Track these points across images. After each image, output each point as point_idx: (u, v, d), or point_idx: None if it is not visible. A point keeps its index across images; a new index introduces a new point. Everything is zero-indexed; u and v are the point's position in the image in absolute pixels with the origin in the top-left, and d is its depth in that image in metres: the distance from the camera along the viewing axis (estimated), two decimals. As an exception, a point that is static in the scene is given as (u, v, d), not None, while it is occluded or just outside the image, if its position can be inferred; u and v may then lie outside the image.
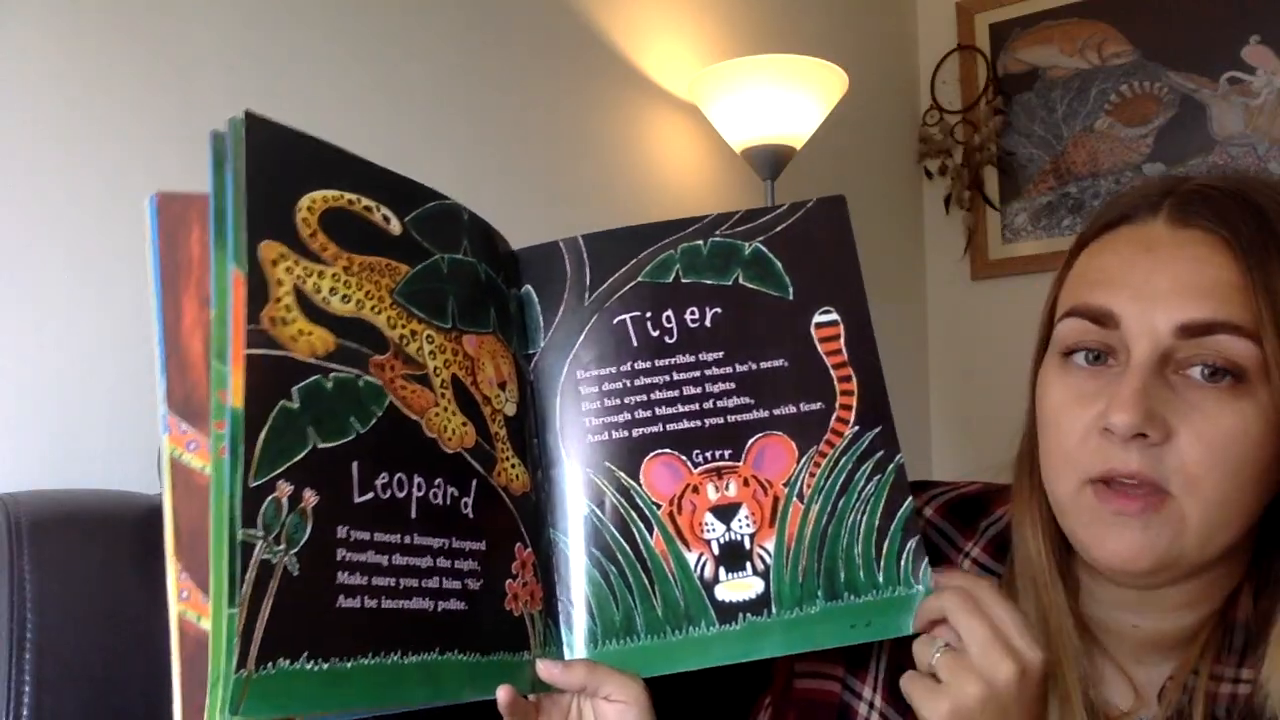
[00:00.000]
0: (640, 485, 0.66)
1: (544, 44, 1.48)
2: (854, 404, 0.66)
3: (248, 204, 0.52)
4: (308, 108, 1.18)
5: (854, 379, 0.66)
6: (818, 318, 0.68)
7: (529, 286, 0.69)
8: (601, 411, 0.67)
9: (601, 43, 1.58)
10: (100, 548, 0.73)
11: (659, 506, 0.65)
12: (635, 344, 0.68)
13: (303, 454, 0.52)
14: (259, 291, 0.52)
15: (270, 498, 0.50)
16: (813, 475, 0.65)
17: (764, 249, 0.69)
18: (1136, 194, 0.63)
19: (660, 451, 0.66)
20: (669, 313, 0.68)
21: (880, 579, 0.63)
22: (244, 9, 1.13)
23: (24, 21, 0.94)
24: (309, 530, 0.51)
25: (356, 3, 1.24)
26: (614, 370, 0.67)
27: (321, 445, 0.52)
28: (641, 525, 0.65)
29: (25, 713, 0.65)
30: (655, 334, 0.68)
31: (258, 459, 0.50)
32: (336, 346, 0.54)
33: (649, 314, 0.68)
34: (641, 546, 0.65)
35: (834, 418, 0.66)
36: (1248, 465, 0.56)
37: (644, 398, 0.67)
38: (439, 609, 0.56)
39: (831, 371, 0.67)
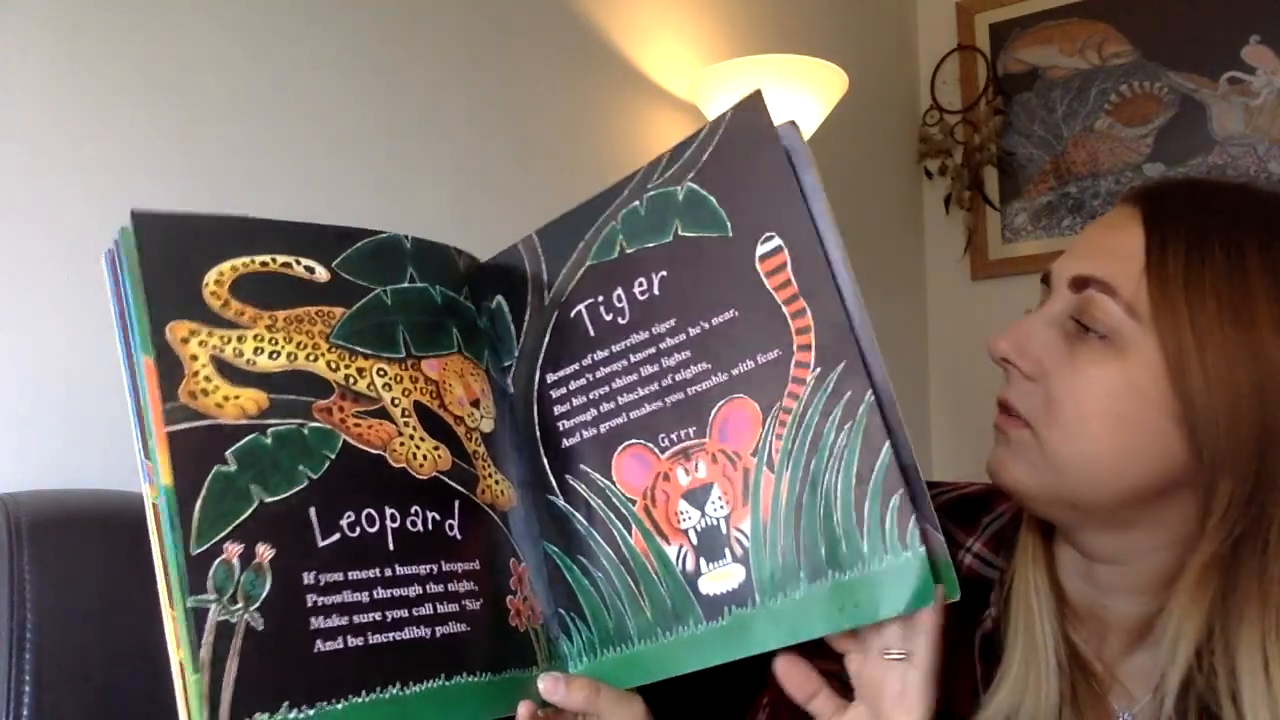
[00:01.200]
0: (614, 483, 0.62)
1: (544, 44, 1.48)
2: (811, 341, 0.57)
3: (146, 295, 0.55)
4: (307, 107, 1.18)
5: (808, 311, 0.57)
6: (759, 249, 0.59)
7: (499, 297, 0.67)
8: (571, 413, 0.64)
9: (601, 42, 1.58)
10: (100, 548, 0.73)
11: (634, 502, 0.61)
12: (591, 333, 0.64)
13: (248, 512, 0.53)
14: (173, 370, 0.54)
15: (218, 561, 0.52)
16: (779, 438, 0.57)
17: (696, 187, 0.61)
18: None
19: (628, 443, 0.62)
20: (619, 291, 0.63)
21: (865, 548, 0.55)
22: (244, 8, 1.13)
23: (24, 21, 0.94)
24: (269, 583, 0.52)
25: (355, 2, 1.24)
26: (576, 367, 0.64)
27: (270, 499, 0.54)
28: (620, 525, 0.62)
29: (25, 713, 0.65)
30: (609, 318, 0.63)
31: (196, 527, 0.52)
32: (271, 403, 0.56)
33: (600, 297, 0.63)
34: (623, 547, 0.62)
35: (793, 363, 0.57)
36: (1106, 417, 0.59)
37: (605, 389, 0.63)
38: (438, 634, 0.57)
39: (784, 309, 0.58)
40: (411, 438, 0.59)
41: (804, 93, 1.56)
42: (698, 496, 0.60)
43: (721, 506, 0.59)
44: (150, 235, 0.56)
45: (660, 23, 1.68)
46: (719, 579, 0.59)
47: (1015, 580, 0.66)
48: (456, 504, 0.60)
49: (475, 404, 0.64)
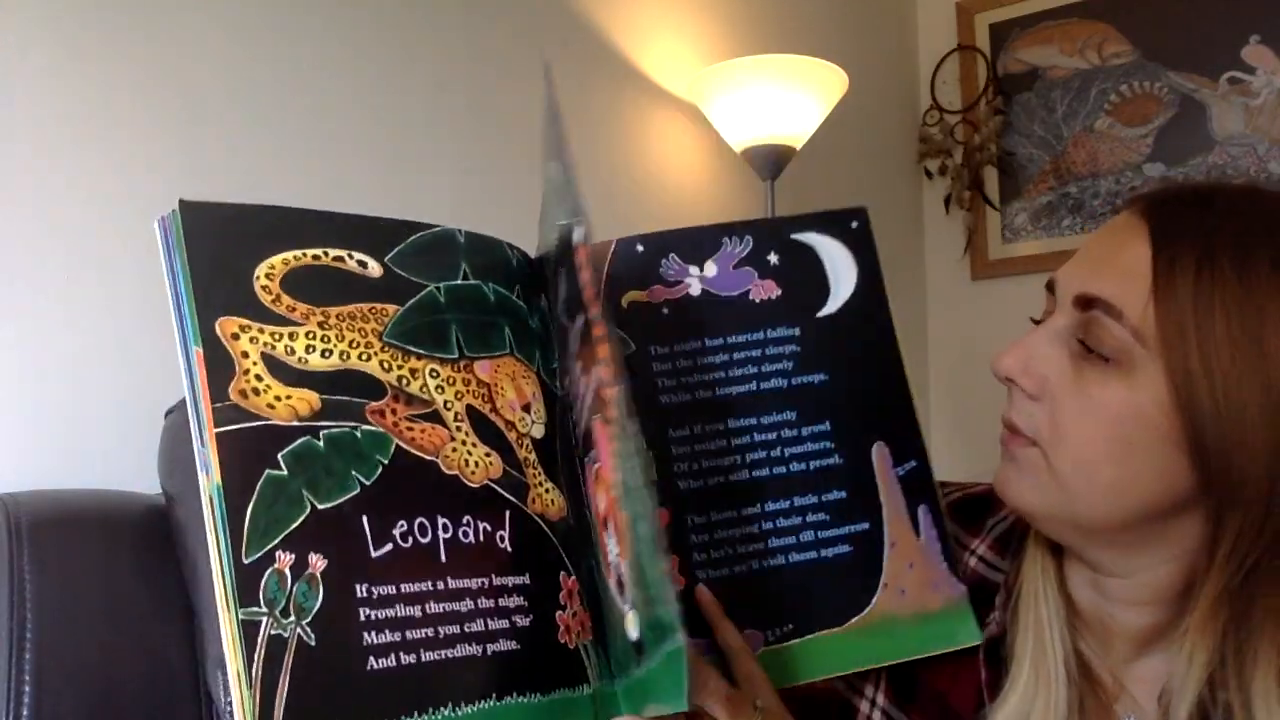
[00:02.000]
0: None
1: (544, 44, 1.48)
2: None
3: (193, 288, 0.52)
4: (308, 106, 1.18)
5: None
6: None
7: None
8: None
9: (602, 43, 1.58)
10: (100, 548, 0.73)
11: (604, 528, 0.58)
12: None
13: (300, 519, 0.51)
14: (223, 367, 0.51)
15: (270, 570, 0.49)
16: (613, 455, 0.54)
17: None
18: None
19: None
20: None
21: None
22: (244, 8, 1.13)
23: (25, 21, 0.94)
24: (321, 596, 0.50)
25: (356, 2, 1.24)
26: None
27: (322, 505, 0.51)
28: (599, 550, 0.60)
29: (25, 713, 0.65)
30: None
31: (248, 534, 0.49)
32: (323, 404, 0.53)
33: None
34: (598, 575, 0.60)
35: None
36: (1112, 440, 0.58)
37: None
38: (489, 652, 0.54)
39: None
40: (464, 443, 0.57)
41: (804, 93, 1.56)
42: (608, 528, 0.58)
43: (614, 540, 0.57)
44: (198, 227, 0.54)
45: (660, 23, 1.68)
46: (630, 625, 0.55)
47: (1024, 590, 0.66)
48: (507, 515, 0.57)
49: (526, 408, 0.61)
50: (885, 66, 2.27)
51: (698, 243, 0.68)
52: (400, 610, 0.52)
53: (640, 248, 0.67)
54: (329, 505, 0.52)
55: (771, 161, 1.62)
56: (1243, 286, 0.55)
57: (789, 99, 1.56)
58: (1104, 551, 0.63)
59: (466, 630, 0.54)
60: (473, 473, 0.57)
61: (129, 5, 1.02)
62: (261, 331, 0.53)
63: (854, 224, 0.70)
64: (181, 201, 0.54)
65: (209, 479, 0.50)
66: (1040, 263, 2.11)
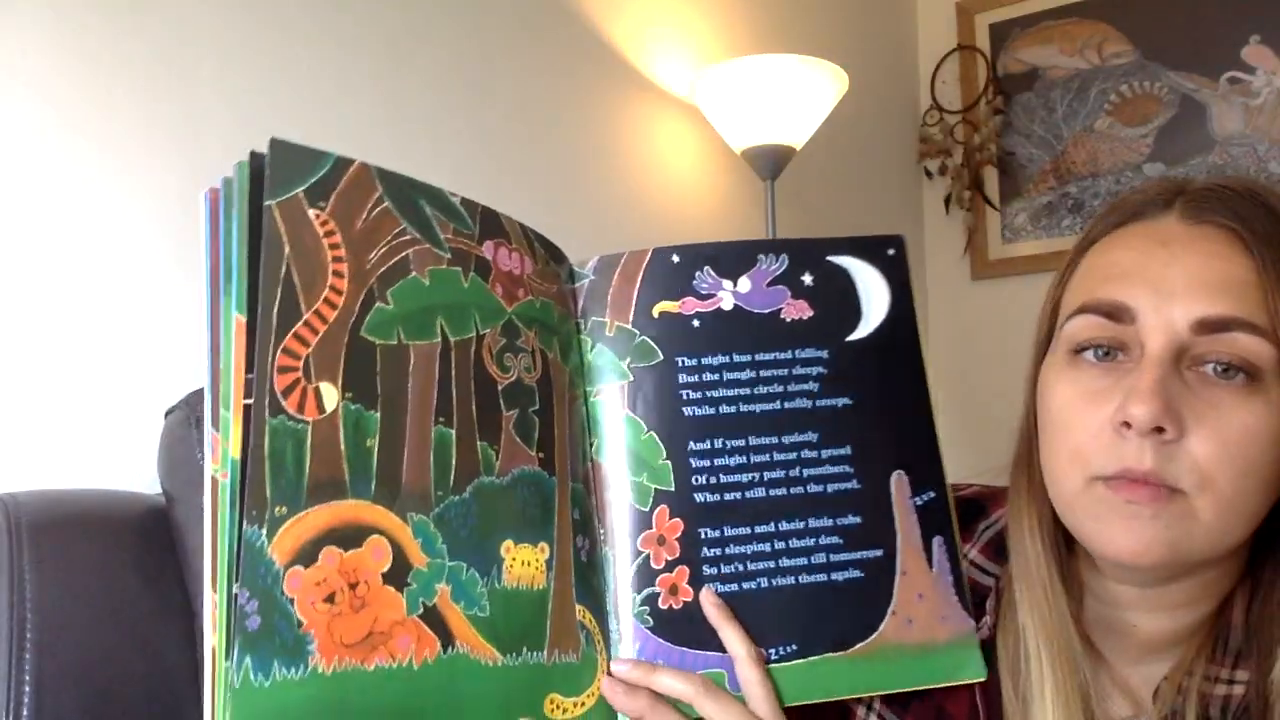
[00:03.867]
0: None
1: (544, 45, 1.48)
2: None
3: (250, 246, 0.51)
4: (307, 107, 1.18)
5: None
6: None
7: None
8: None
9: (602, 43, 1.58)
10: (100, 548, 0.73)
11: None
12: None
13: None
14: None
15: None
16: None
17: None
18: (1146, 192, 0.62)
19: None
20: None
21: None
22: (244, 9, 1.13)
23: (25, 21, 0.94)
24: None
25: (355, 3, 1.24)
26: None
27: None
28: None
29: (25, 713, 0.65)
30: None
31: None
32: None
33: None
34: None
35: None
36: (1261, 464, 0.56)
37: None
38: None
39: None
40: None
41: (804, 93, 1.56)
42: None
43: None
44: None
45: (661, 23, 1.68)
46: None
47: (1023, 592, 0.64)
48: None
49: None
50: (885, 66, 2.27)
51: (733, 258, 0.68)
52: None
53: (676, 258, 0.67)
54: None
55: (771, 162, 1.62)
56: None
57: (789, 99, 1.56)
58: (1184, 581, 0.61)
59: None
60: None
61: (129, 5, 1.02)
62: None
63: (890, 251, 0.70)
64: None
65: (218, 456, 0.49)
66: (1040, 263, 2.11)
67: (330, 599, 0.50)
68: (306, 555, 0.50)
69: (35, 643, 0.66)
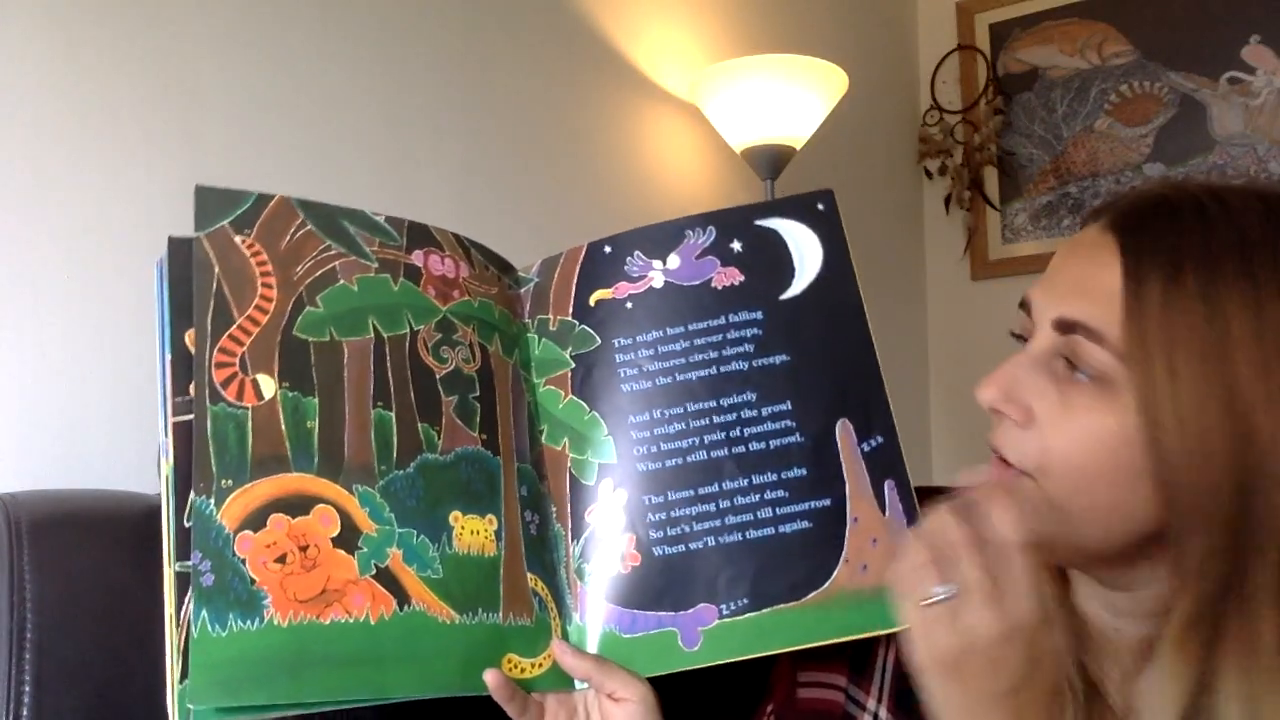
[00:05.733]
0: None
1: (544, 44, 1.48)
2: None
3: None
4: (307, 107, 1.18)
5: None
6: None
7: None
8: None
9: (602, 42, 1.58)
10: (100, 548, 0.73)
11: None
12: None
13: None
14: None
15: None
16: None
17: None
18: (1115, 200, 0.64)
19: None
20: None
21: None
22: (243, 9, 1.13)
23: (25, 23, 0.94)
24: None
25: (356, 2, 1.24)
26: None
27: None
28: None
29: (25, 713, 0.65)
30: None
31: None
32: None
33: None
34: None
35: None
36: (1107, 466, 0.57)
37: None
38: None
39: None
40: None
41: (804, 93, 1.56)
42: None
43: None
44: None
45: (661, 23, 1.68)
46: None
47: None
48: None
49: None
50: (885, 66, 2.27)
51: (661, 238, 0.72)
52: None
53: (608, 249, 0.71)
54: None
55: (771, 161, 1.62)
56: (1208, 305, 0.54)
57: (789, 99, 1.56)
58: (1110, 570, 0.62)
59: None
60: None
61: (129, 5, 1.02)
62: None
63: (820, 205, 0.72)
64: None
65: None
66: (1040, 263, 2.09)
67: (281, 559, 0.57)
68: (255, 521, 0.57)
69: (35, 643, 0.66)
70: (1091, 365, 0.57)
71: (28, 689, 0.66)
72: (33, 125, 0.94)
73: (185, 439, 0.58)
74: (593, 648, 0.65)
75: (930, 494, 0.74)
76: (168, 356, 0.60)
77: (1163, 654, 0.58)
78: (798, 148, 1.63)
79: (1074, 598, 0.66)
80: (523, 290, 0.71)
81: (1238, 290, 0.54)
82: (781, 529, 0.65)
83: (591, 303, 0.70)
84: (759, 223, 0.71)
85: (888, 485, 0.67)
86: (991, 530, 0.54)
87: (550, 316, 0.70)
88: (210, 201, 0.62)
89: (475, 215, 1.33)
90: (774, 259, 0.70)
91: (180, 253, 0.61)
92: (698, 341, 0.69)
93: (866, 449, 0.67)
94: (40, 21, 0.95)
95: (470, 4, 1.38)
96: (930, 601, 0.53)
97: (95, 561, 0.72)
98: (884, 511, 0.66)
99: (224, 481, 0.57)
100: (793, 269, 0.70)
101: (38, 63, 0.95)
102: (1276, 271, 0.54)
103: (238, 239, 0.62)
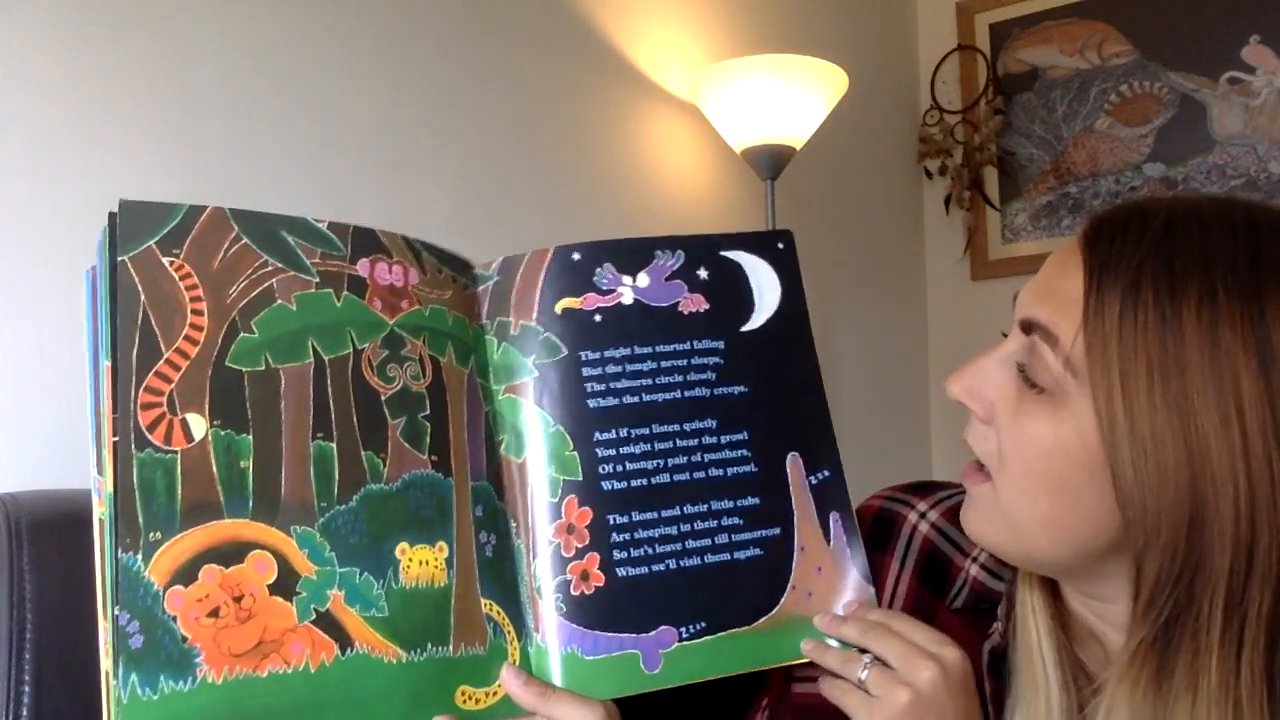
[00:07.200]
0: None
1: (543, 44, 1.48)
2: None
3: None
4: (308, 106, 1.18)
5: None
6: None
7: None
8: None
9: (601, 42, 1.58)
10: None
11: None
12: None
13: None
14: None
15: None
16: None
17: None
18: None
19: None
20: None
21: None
22: (244, 10, 1.13)
23: (25, 23, 0.94)
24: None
25: (356, 3, 1.24)
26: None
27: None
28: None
29: (25, 713, 0.65)
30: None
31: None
32: None
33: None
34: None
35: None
36: (1051, 474, 0.57)
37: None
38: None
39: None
40: None
41: (804, 93, 1.56)
42: None
43: None
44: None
45: (661, 23, 1.68)
46: None
47: (1015, 603, 0.65)
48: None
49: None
50: (885, 66, 2.27)
51: (632, 254, 0.71)
52: None
53: (576, 256, 0.70)
54: None
55: (771, 161, 1.62)
56: (1166, 325, 0.53)
57: (789, 99, 1.56)
58: (1082, 583, 0.62)
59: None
60: None
61: (130, 5, 1.02)
62: None
63: (780, 245, 0.74)
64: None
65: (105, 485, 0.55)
66: (1040, 263, 2.09)
67: (214, 613, 0.54)
68: (185, 575, 0.54)
69: (35, 643, 0.66)
70: (1041, 371, 0.57)
71: (28, 689, 0.66)
72: (33, 125, 0.94)
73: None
74: (555, 669, 0.63)
75: (935, 490, 0.75)
76: (103, 389, 0.55)
77: (1110, 684, 0.57)
78: (798, 148, 1.63)
79: (1066, 597, 0.66)
80: (480, 288, 0.69)
81: (1196, 313, 0.53)
82: (736, 555, 0.67)
83: (557, 310, 0.69)
84: (723, 253, 0.73)
85: (833, 517, 0.70)
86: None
87: (512, 320, 0.68)
88: (136, 217, 0.57)
89: (475, 215, 1.33)
90: (735, 291, 0.72)
91: (105, 279, 0.57)
92: (664, 364, 0.69)
93: (814, 481, 0.70)
94: (40, 22, 0.95)
95: (470, 4, 1.38)
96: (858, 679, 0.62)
97: (95, 561, 0.72)
98: (829, 541, 0.69)
99: (152, 535, 0.54)
100: (752, 303, 0.72)
101: (38, 63, 0.95)
102: (1240, 296, 0.53)
103: (165, 260, 0.57)
